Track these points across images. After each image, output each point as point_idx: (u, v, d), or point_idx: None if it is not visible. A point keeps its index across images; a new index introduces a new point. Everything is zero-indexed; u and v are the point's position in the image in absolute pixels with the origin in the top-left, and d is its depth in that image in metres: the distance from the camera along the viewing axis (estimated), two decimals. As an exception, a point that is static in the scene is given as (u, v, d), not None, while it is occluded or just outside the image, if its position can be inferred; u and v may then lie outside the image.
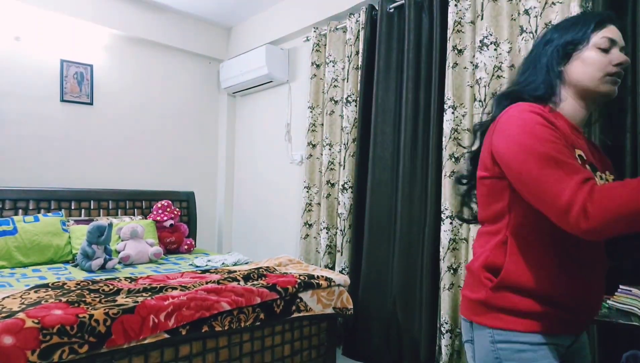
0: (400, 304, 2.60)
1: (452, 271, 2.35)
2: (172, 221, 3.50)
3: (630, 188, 0.78)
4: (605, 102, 1.07)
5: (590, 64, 1.02)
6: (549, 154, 0.87)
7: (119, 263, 2.92)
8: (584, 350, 1.13)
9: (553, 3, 2.03)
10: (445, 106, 2.40)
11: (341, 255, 2.96)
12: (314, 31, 3.29)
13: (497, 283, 1.01)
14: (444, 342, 2.32)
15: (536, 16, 2.08)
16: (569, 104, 1.06)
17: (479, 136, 1.14)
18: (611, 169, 1.12)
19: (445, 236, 2.37)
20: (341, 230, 2.96)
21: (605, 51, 1.02)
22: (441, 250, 2.39)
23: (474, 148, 1.18)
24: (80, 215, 3.35)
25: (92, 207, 3.41)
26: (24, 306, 1.66)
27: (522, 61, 1.16)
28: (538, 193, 0.88)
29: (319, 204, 3.25)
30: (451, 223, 2.35)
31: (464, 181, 1.21)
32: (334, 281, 2.42)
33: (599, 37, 1.02)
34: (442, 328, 2.34)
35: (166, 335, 1.78)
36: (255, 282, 2.23)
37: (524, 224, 1.00)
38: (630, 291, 1.55)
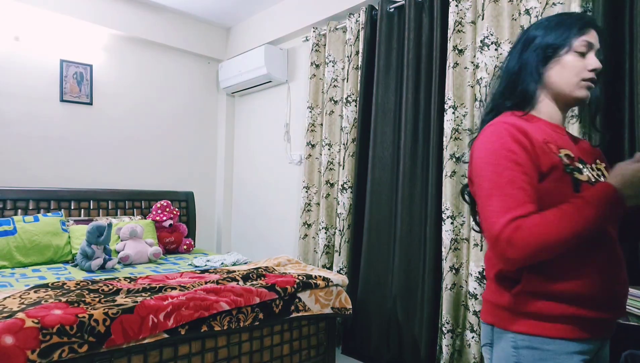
0: (400, 304, 2.60)
1: (454, 271, 2.35)
2: (171, 221, 3.50)
3: (555, 219, 0.89)
4: (580, 106, 1.10)
5: (569, 68, 1.04)
6: (500, 182, 0.96)
7: (119, 263, 2.91)
8: (606, 354, 1.09)
9: (554, 3, 2.03)
10: (445, 106, 2.40)
11: (339, 255, 2.96)
12: (313, 31, 3.29)
13: (519, 288, 1.00)
14: (445, 341, 2.32)
15: (537, 16, 2.08)
16: (546, 106, 1.09)
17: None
18: (601, 156, 1.13)
19: (446, 236, 2.37)
20: (340, 230, 2.96)
21: (582, 55, 1.04)
22: (443, 250, 2.39)
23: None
24: (79, 215, 3.34)
25: (91, 207, 3.41)
26: (23, 306, 1.66)
27: (501, 69, 1.17)
28: (482, 214, 0.98)
29: (318, 204, 3.25)
30: (452, 223, 2.35)
31: (466, 192, 1.21)
32: (331, 281, 2.42)
33: (579, 41, 1.04)
34: (444, 328, 2.34)
35: (165, 335, 1.78)
36: (254, 282, 2.23)
37: None
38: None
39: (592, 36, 1.05)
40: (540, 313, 0.98)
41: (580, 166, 1.01)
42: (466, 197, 1.21)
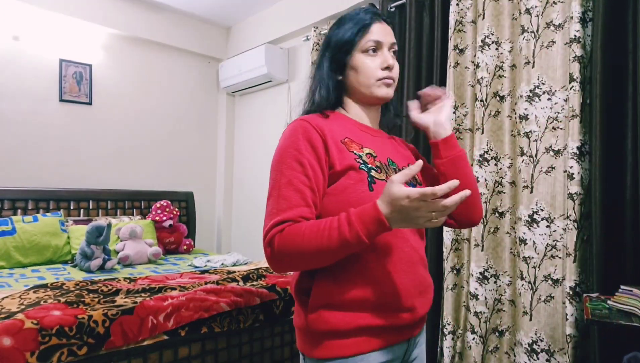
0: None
1: (455, 271, 2.34)
2: (171, 222, 3.49)
3: (310, 233, 0.85)
4: (384, 103, 1.12)
5: (361, 71, 1.02)
6: (280, 182, 0.92)
7: (118, 263, 2.90)
8: (421, 353, 1.08)
9: (554, 2, 2.02)
10: (446, 105, 2.39)
11: (341, 255, 2.94)
12: (314, 30, 3.28)
13: (310, 303, 0.94)
14: (446, 343, 2.31)
15: (537, 15, 2.07)
16: (355, 109, 1.09)
17: None
18: (414, 160, 1.16)
19: (447, 236, 2.35)
20: (341, 230, 2.94)
21: (373, 52, 1.02)
22: (444, 250, 2.38)
23: None
24: (79, 215, 3.33)
25: (91, 207, 3.40)
26: (23, 306, 1.65)
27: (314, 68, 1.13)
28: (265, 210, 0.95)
29: (318, 204, 3.24)
30: (452, 223, 2.34)
31: None
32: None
33: (364, 42, 1.01)
34: (445, 330, 2.33)
35: (165, 337, 1.77)
36: (254, 283, 2.22)
37: None
38: (631, 291, 1.54)
39: (377, 32, 1.02)
40: (335, 330, 0.92)
41: (385, 165, 1.01)
42: None
